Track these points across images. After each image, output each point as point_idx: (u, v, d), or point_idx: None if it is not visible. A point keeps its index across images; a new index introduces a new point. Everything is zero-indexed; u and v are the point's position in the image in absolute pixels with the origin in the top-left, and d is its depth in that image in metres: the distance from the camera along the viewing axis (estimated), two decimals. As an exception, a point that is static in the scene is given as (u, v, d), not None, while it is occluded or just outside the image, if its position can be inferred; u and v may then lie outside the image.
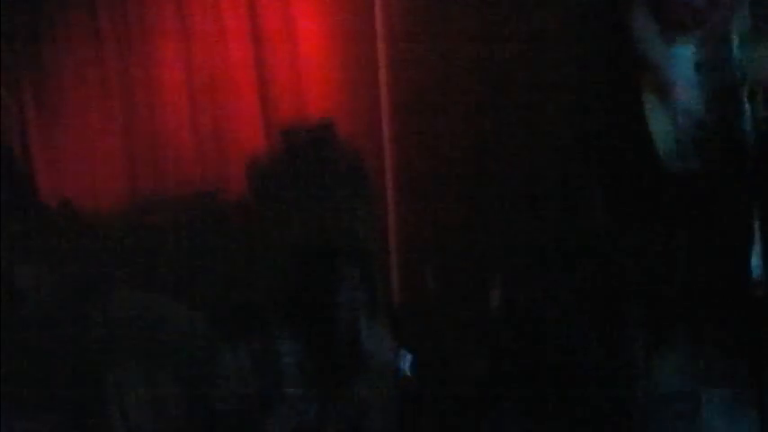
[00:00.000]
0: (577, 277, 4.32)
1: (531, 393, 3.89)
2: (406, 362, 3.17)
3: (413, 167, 4.87)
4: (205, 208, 4.11)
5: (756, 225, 3.48)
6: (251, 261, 3.98)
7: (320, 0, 4.72)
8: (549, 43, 4.55)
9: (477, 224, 4.76)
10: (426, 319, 4.64)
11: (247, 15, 4.62)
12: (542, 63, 4.55)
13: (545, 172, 4.60)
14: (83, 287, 3.61)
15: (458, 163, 4.82)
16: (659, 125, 4.02)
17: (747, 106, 3.30)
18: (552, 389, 3.90)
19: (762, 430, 3.31)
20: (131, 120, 4.42)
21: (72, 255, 3.76)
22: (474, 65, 4.71)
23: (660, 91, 4.01)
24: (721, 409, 4.07)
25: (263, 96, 4.56)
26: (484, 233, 4.73)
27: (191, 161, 4.42)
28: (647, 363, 4.43)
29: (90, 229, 3.97)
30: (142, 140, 4.42)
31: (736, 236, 3.56)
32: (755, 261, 3.48)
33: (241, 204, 4.12)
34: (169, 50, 4.52)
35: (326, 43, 4.72)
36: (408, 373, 3.15)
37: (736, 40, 3.70)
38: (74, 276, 3.60)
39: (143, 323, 3.55)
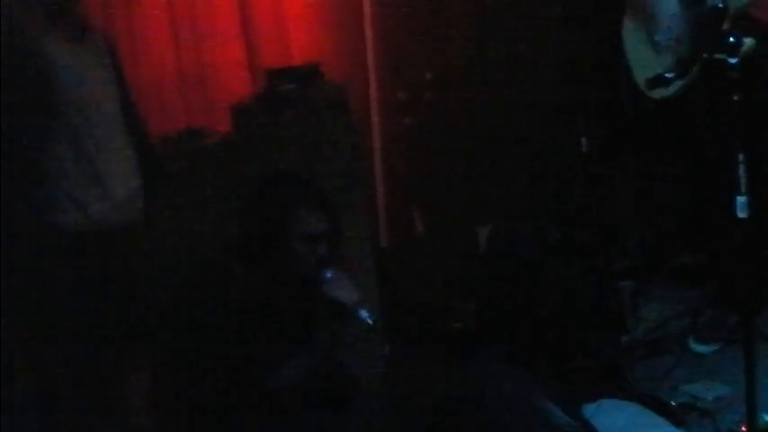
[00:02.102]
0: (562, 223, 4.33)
1: (515, 336, 3.90)
2: (365, 314, 3.10)
3: (399, 111, 4.87)
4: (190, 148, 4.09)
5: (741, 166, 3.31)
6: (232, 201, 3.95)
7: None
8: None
9: (463, 168, 4.77)
10: (413, 262, 4.66)
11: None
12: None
13: (531, 111, 4.62)
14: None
15: (444, 107, 4.83)
16: (640, 56, 4.03)
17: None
18: (537, 333, 3.90)
19: (747, 379, 3.27)
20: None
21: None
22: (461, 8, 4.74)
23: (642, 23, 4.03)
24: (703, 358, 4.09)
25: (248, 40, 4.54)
26: (470, 177, 4.75)
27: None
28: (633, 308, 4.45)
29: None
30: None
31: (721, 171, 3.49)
32: (741, 200, 3.31)
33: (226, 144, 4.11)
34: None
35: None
36: (370, 322, 3.10)
37: None
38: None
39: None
